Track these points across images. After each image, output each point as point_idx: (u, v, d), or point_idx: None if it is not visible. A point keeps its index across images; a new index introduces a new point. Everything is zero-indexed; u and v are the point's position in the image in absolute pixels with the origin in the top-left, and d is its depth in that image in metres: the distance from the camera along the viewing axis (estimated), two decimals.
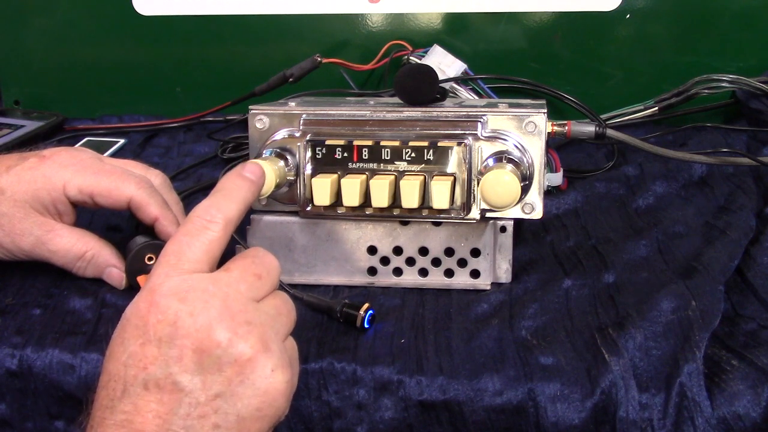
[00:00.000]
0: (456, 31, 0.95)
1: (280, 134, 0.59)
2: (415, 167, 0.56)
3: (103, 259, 0.59)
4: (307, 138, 0.57)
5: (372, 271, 0.60)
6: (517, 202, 0.56)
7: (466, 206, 0.56)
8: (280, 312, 0.45)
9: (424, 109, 0.59)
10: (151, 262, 0.59)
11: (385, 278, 0.60)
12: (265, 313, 0.43)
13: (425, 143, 0.56)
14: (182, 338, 0.40)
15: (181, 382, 0.40)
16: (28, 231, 0.58)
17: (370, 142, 0.57)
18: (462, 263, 0.59)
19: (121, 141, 0.95)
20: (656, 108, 0.87)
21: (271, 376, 0.41)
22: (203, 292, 0.42)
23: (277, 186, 0.56)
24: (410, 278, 0.60)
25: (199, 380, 0.40)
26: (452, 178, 0.56)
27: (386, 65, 0.92)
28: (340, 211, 0.57)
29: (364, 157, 0.57)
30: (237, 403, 0.41)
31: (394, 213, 0.57)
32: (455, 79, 0.87)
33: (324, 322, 0.55)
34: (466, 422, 0.49)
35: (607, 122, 0.85)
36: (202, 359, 0.40)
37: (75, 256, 0.59)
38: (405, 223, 0.59)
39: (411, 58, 0.91)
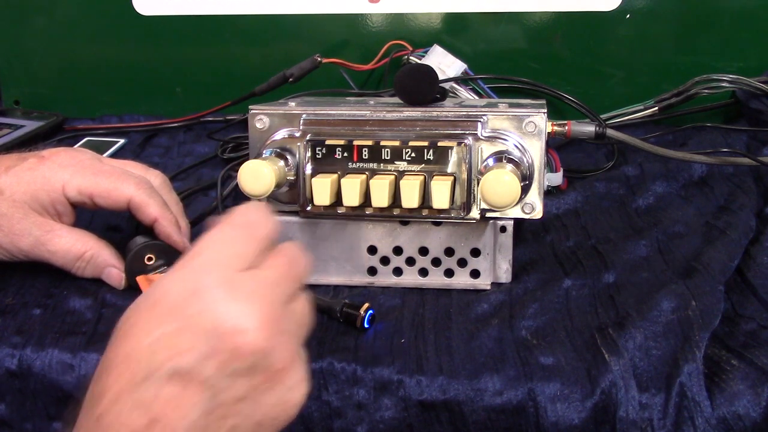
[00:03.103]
0: (456, 31, 0.95)
1: (280, 134, 0.59)
2: (415, 167, 0.56)
3: (102, 260, 0.59)
4: (307, 138, 0.57)
5: (372, 271, 0.60)
6: (517, 202, 0.56)
7: (466, 206, 0.56)
8: (303, 319, 0.44)
9: (424, 109, 0.59)
10: (151, 262, 0.59)
11: (385, 278, 0.60)
12: (295, 321, 0.42)
13: (425, 143, 0.56)
14: (221, 336, 0.39)
15: (208, 379, 0.38)
16: (27, 231, 0.58)
17: (370, 142, 0.57)
18: (462, 263, 0.59)
19: (121, 141, 0.95)
20: (656, 108, 0.87)
21: (294, 389, 0.41)
22: (247, 293, 0.40)
23: (277, 186, 0.56)
24: (410, 278, 0.60)
25: (227, 381, 0.39)
26: (452, 178, 0.56)
27: (386, 65, 0.92)
28: (340, 211, 0.57)
29: (364, 157, 0.57)
30: (258, 410, 0.40)
31: (394, 213, 0.57)
32: (455, 79, 0.87)
33: (324, 322, 0.55)
34: (466, 422, 0.49)
35: (607, 122, 0.85)
36: (235, 362, 0.39)
37: (74, 257, 0.59)
38: (405, 223, 0.59)
39: (411, 58, 0.91)
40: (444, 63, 0.88)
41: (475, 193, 0.56)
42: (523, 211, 0.58)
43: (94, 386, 0.39)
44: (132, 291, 0.59)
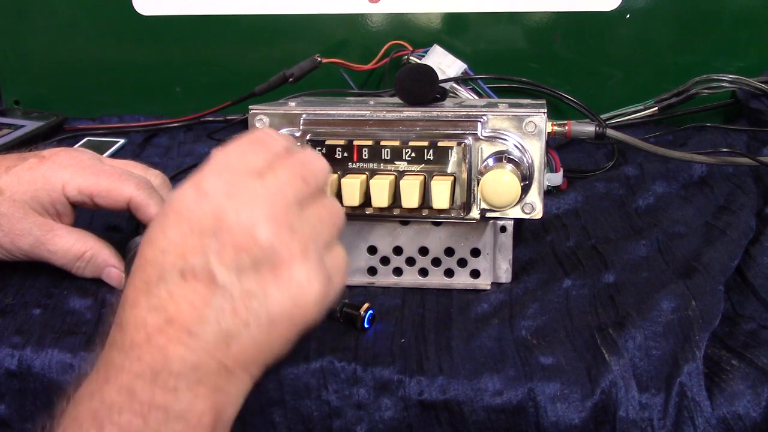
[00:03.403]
0: (456, 31, 0.95)
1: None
2: (415, 167, 0.56)
3: (102, 259, 0.59)
4: (307, 138, 0.57)
5: (372, 271, 0.60)
6: (517, 202, 0.56)
7: (466, 206, 0.56)
8: (322, 220, 0.44)
9: (424, 109, 0.59)
10: None
11: (385, 278, 0.60)
12: (308, 220, 0.43)
13: (425, 143, 0.56)
14: (225, 232, 0.40)
15: (217, 275, 0.40)
16: (28, 231, 0.58)
17: (370, 142, 0.57)
18: (462, 263, 0.59)
19: (121, 141, 0.95)
20: (656, 108, 0.87)
21: (305, 284, 0.41)
22: (251, 192, 0.42)
23: None
24: (410, 278, 0.60)
25: (235, 277, 0.40)
26: (452, 178, 0.56)
27: (386, 65, 0.92)
28: None
29: (364, 157, 0.57)
30: (269, 304, 0.41)
31: (394, 213, 0.57)
32: (455, 79, 0.87)
33: (324, 322, 0.55)
34: (466, 422, 0.49)
35: (607, 122, 0.85)
36: (240, 256, 0.40)
37: (74, 257, 0.59)
38: (405, 223, 0.59)
39: (411, 58, 0.91)
40: (444, 63, 0.88)
41: (475, 193, 0.56)
42: (523, 211, 0.58)
43: (120, 297, 0.42)
44: None
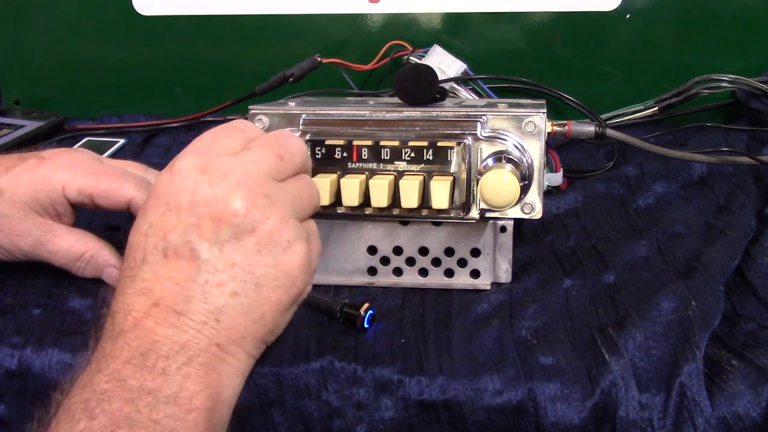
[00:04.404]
0: (456, 31, 0.95)
1: None
2: (414, 167, 0.56)
3: (102, 260, 0.59)
4: (307, 138, 0.57)
5: (372, 271, 0.60)
6: (517, 202, 0.56)
7: (466, 206, 0.56)
8: (301, 194, 0.46)
9: (423, 109, 0.59)
10: None
11: (385, 278, 0.60)
12: (285, 191, 0.44)
13: (425, 143, 0.56)
14: (200, 206, 0.41)
15: (198, 250, 0.41)
16: (28, 232, 0.58)
17: (369, 142, 0.57)
18: (462, 263, 0.59)
19: (121, 141, 0.95)
20: (656, 108, 0.87)
21: (288, 248, 0.42)
22: (224, 165, 0.43)
23: None
24: (410, 278, 0.60)
25: (216, 249, 0.41)
26: (452, 177, 0.56)
27: (386, 65, 0.92)
28: (340, 211, 0.57)
29: (363, 157, 0.57)
30: (254, 271, 0.41)
31: (394, 213, 0.57)
32: (455, 79, 0.87)
33: (324, 322, 0.55)
34: (466, 422, 0.49)
35: (607, 122, 0.85)
36: (219, 228, 0.41)
37: (74, 257, 0.59)
38: (405, 223, 0.59)
39: (411, 58, 0.91)
40: (444, 63, 0.88)
41: (475, 193, 0.56)
42: (523, 211, 0.58)
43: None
44: None
